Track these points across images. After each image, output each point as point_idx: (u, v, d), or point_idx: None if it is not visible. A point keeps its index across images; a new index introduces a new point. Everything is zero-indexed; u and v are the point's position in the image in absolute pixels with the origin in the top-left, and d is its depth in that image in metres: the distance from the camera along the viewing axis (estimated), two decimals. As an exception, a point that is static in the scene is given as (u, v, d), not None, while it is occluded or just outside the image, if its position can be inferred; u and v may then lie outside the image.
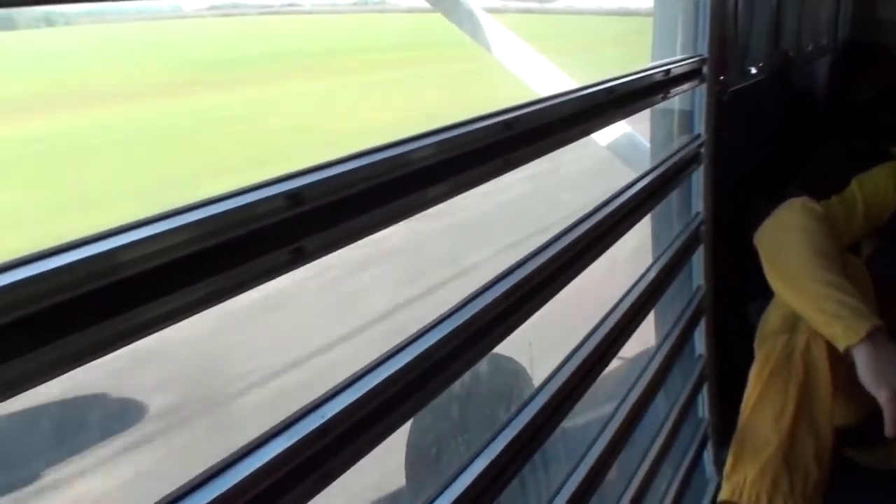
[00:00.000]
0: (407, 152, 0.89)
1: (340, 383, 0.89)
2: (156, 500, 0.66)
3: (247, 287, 0.73)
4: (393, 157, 0.87)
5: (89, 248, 0.65)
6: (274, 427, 0.77)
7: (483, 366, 2.63)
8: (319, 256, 0.78)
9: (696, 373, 2.15)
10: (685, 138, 2.07)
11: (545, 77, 2.40)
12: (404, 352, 0.98)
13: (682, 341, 2.01)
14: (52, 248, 0.63)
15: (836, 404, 1.97)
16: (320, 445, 0.81)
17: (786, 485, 1.94)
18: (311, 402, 0.83)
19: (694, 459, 2.13)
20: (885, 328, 1.78)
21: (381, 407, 0.92)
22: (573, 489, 1.40)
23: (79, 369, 0.63)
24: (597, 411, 1.92)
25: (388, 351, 0.97)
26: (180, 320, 0.68)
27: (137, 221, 0.70)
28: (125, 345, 0.66)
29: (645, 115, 2.00)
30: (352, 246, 0.83)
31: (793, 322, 1.96)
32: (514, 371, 2.90)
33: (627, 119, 2.07)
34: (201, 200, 0.72)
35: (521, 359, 2.74)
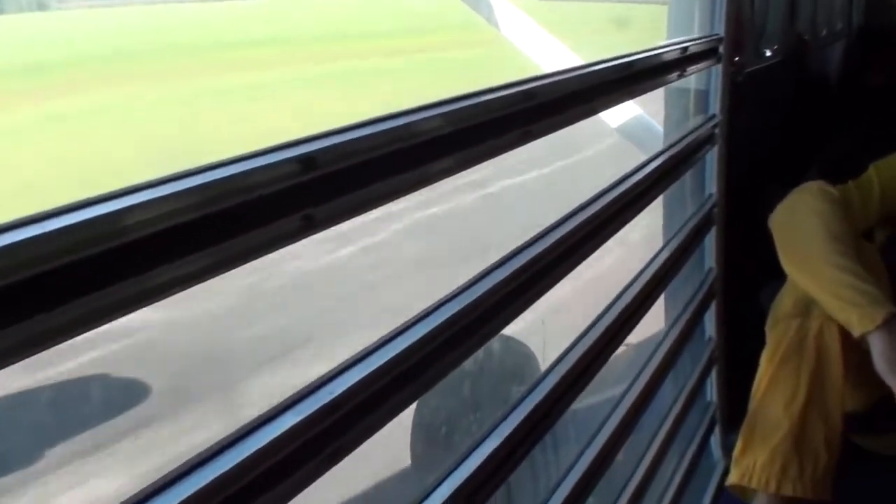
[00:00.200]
0: (424, 119, 0.86)
1: (348, 360, 0.86)
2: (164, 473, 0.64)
3: (256, 254, 0.70)
4: (411, 124, 0.84)
5: (93, 209, 0.62)
6: (283, 402, 0.74)
7: (492, 347, 2.61)
8: (331, 225, 0.76)
9: (705, 356, 2.13)
10: (700, 118, 2.04)
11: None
12: (414, 329, 0.96)
13: (693, 324, 1.98)
14: (53, 210, 0.60)
15: (846, 390, 1.96)
16: (329, 422, 0.79)
17: (795, 470, 1.93)
18: (319, 378, 0.81)
19: (701, 443, 2.11)
20: None
21: (389, 384, 0.90)
22: (582, 471, 1.38)
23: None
24: (606, 393, 1.90)
25: (398, 328, 0.95)
26: (189, 286, 0.65)
27: (144, 183, 0.67)
28: (130, 311, 0.63)
29: (654, 97, 1.98)
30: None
31: (805, 306, 1.94)
32: (522, 354, 2.88)
33: (639, 101, 2.04)
34: (211, 163, 0.69)
35: (534, 338, 2.72)
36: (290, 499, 0.74)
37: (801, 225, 1.96)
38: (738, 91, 2.17)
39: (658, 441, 1.79)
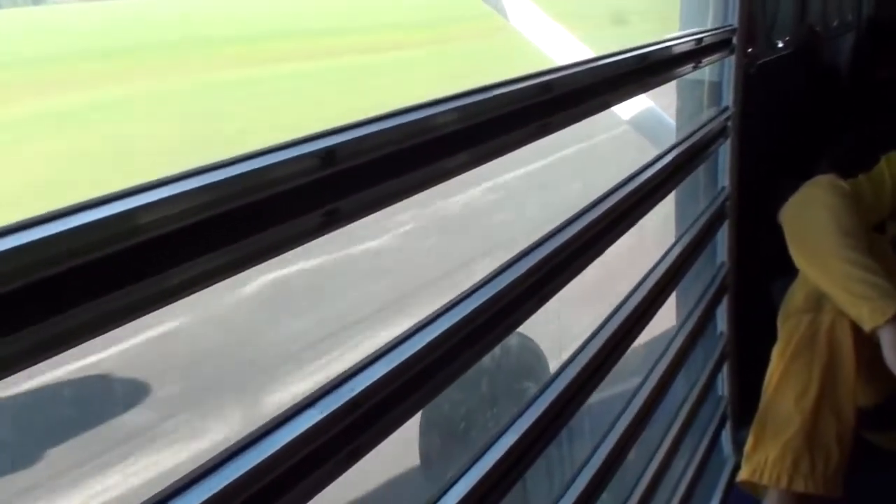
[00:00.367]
0: (444, 112, 0.85)
1: (369, 356, 0.85)
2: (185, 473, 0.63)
3: (277, 251, 0.68)
4: (430, 117, 0.83)
5: (110, 206, 0.60)
6: (305, 399, 0.73)
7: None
8: (353, 220, 0.74)
9: (717, 351, 2.12)
10: (713, 110, 2.03)
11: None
12: (433, 325, 0.94)
13: (705, 319, 1.97)
14: (63, 209, 0.57)
15: (857, 386, 1.95)
16: (350, 420, 0.77)
17: (807, 465, 1.92)
18: (340, 375, 0.79)
19: (713, 438, 2.10)
20: None
21: (409, 382, 0.88)
22: (597, 466, 1.37)
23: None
24: (619, 387, 1.89)
25: (417, 324, 0.94)
26: (210, 284, 0.63)
27: (161, 180, 0.65)
28: (150, 311, 0.61)
29: (663, 91, 1.96)
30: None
31: (817, 301, 1.93)
32: (529, 349, 2.87)
33: (650, 95, 2.03)
34: (231, 158, 0.68)
35: (548, 332, 2.71)
36: (310, 498, 0.73)
37: (812, 219, 1.95)
38: (750, 83, 2.16)
39: (670, 436, 1.78)
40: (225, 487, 0.63)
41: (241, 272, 0.67)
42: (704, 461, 2.01)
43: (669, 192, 1.70)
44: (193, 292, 0.62)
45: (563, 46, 2.49)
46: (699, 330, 1.92)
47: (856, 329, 1.86)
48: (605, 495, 1.44)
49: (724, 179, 2.09)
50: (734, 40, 1.98)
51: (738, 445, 2.19)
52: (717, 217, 2.03)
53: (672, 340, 1.79)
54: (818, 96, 3.26)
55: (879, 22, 4.09)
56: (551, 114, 1.07)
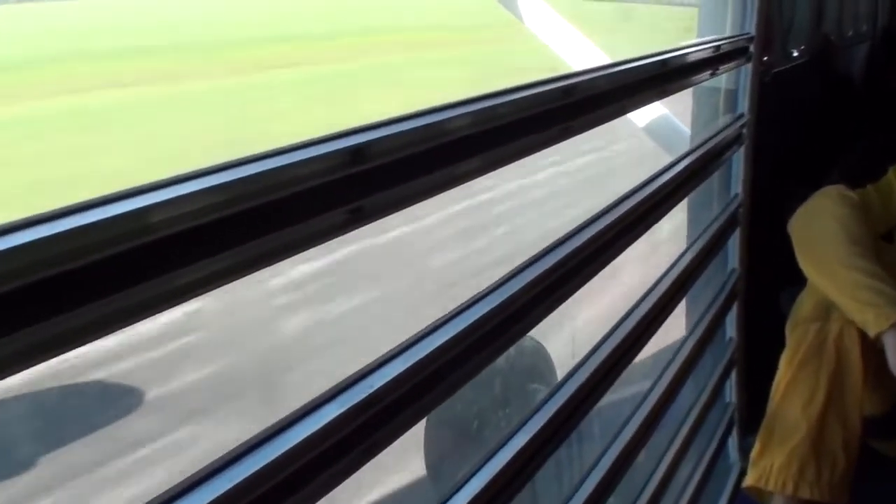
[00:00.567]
0: (471, 112, 0.85)
1: (386, 354, 0.86)
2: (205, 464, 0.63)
3: (304, 247, 0.69)
4: (456, 118, 0.84)
5: (127, 203, 0.59)
6: (325, 394, 0.74)
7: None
8: (378, 217, 0.75)
9: (726, 357, 2.12)
10: (728, 117, 2.03)
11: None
12: (448, 325, 0.95)
13: (715, 325, 1.98)
14: (78, 205, 0.57)
15: (864, 394, 1.95)
16: (368, 416, 0.78)
17: (813, 473, 1.93)
18: (359, 371, 0.80)
19: (719, 445, 2.10)
20: None
21: (425, 380, 0.89)
22: (605, 470, 1.38)
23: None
24: (627, 390, 1.89)
25: (433, 324, 0.94)
26: (238, 278, 0.64)
27: (187, 174, 0.66)
28: (179, 303, 0.62)
29: (677, 99, 1.96)
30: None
31: (826, 309, 1.94)
32: (535, 351, 2.87)
33: (665, 102, 2.03)
34: (259, 153, 0.68)
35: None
36: (328, 491, 0.74)
37: (821, 229, 1.96)
38: (765, 91, 2.16)
39: (678, 441, 1.78)
40: (247, 478, 0.64)
41: (265, 268, 0.67)
42: (711, 466, 2.02)
43: (683, 197, 1.70)
44: (227, 283, 0.63)
45: (576, 48, 2.49)
46: (709, 336, 1.92)
47: (863, 338, 1.87)
48: (612, 499, 1.44)
49: (738, 186, 2.10)
50: (751, 48, 1.99)
51: (745, 452, 2.20)
52: (729, 224, 2.03)
53: (682, 346, 1.80)
54: (832, 105, 3.26)
55: (894, 32, 4.09)
56: (573, 117, 1.08)
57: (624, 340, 1.41)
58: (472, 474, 1.02)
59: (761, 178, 2.21)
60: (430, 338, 0.91)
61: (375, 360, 0.84)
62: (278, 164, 0.69)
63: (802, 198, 2.05)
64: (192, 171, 0.66)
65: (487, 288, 1.05)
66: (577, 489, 1.32)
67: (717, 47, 1.72)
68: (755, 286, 2.26)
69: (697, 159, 1.71)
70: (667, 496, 1.73)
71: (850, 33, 3.63)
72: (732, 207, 2.05)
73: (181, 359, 4.31)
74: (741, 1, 1.99)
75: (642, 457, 1.57)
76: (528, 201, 6.62)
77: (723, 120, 2.06)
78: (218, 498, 0.61)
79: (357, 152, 0.71)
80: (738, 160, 2.07)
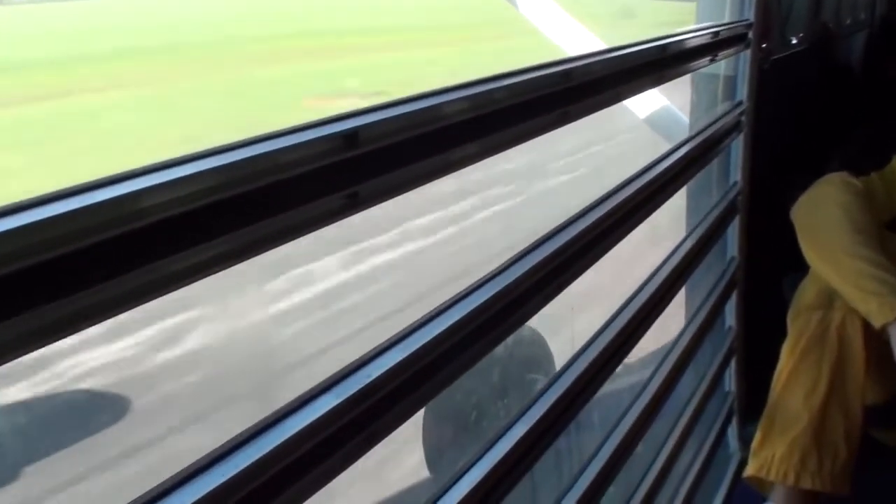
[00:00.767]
0: (469, 96, 0.84)
1: (384, 343, 0.85)
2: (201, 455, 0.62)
3: (299, 233, 0.68)
4: (452, 102, 0.82)
5: (117, 187, 0.58)
6: (321, 384, 0.73)
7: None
8: (373, 204, 0.73)
9: (725, 346, 2.11)
10: (727, 105, 2.02)
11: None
12: (446, 314, 0.94)
13: (714, 314, 1.96)
14: (75, 188, 0.56)
15: (866, 384, 1.94)
16: (365, 406, 0.77)
17: (814, 463, 1.92)
18: (356, 361, 0.79)
19: (719, 434, 2.10)
20: None
21: (423, 370, 0.88)
22: (605, 459, 1.37)
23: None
24: (626, 379, 1.89)
25: (431, 313, 0.93)
26: (232, 265, 0.63)
27: (179, 158, 0.64)
28: (162, 294, 0.60)
29: (675, 87, 1.95)
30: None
31: (829, 298, 1.93)
32: (533, 339, 2.86)
33: (664, 92, 2.02)
34: (253, 137, 0.67)
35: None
36: (325, 483, 0.72)
37: (824, 216, 1.94)
38: (764, 78, 2.15)
39: (678, 430, 1.77)
40: (243, 469, 0.63)
41: (262, 253, 0.66)
42: (710, 456, 2.01)
43: (682, 185, 1.69)
44: (221, 270, 0.62)
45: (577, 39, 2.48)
46: (708, 325, 1.91)
47: (866, 327, 1.86)
48: (611, 488, 1.43)
49: (737, 174, 2.09)
50: (750, 35, 1.97)
51: (745, 441, 2.19)
52: (728, 212, 2.02)
53: (681, 335, 1.79)
54: (830, 93, 3.25)
55: (892, 21, 4.08)
56: (571, 102, 1.07)
57: (623, 329, 1.40)
58: (473, 463, 1.01)
59: (760, 166, 2.20)
60: (429, 326, 0.90)
61: (373, 350, 0.82)
62: (271, 147, 0.67)
63: (803, 185, 2.04)
64: (184, 156, 0.65)
65: (486, 276, 1.04)
66: (576, 478, 1.32)
67: (716, 33, 1.71)
68: (755, 274, 2.25)
69: (696, 147, 1.70)
70: (666, 485, 1.72)
71: (849, 21, 3.62)
72: (732, 195, 2.04)
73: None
74: (740, -14, 1.98)
75: (641, 446, 1.56)
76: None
77: (722, 107, 2.04)
78: (214, 489, 0.60)
79: (351, 136, 0.70)
80: (738, 147, 2.06)
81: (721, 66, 2.01)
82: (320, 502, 0.73)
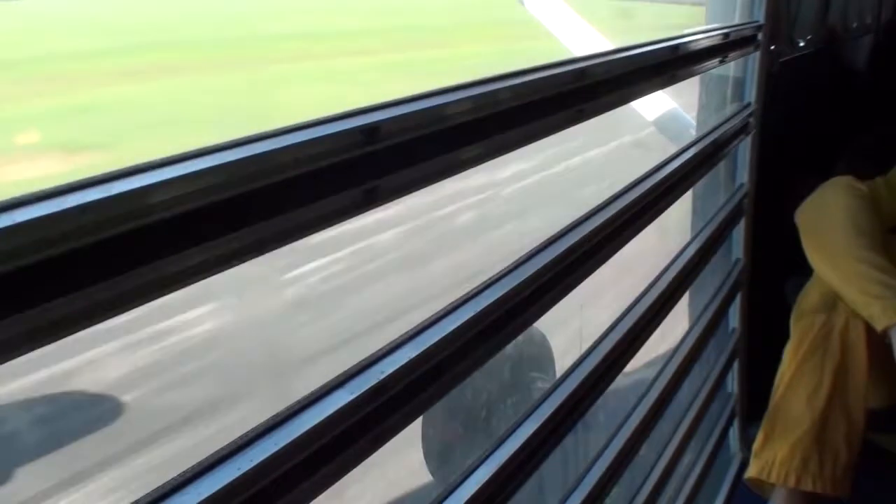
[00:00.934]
0: (489, 92, 0.84)
1: (396, 340, 0.84)
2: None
3: (318, 227, 0.67)
4: (474, 97, 0.82)
5: (132, 180, 0.57)
6: (335, 379, 0.72)
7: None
8: (394, 198, 0.73)
9: (728, 347, 2.11)
10: (736, 106, 2.01)
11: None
12: (457, 312, 0.93)
13: (719, 315, 1.96)
14: (87, 180, 0.55)
15: (869, 387, 1.94)
16: (378, 403, 0.76)
17: (815, 465, 1.92)
18: (368, 357, 0.78)
19: (721, 435, 2.10)
20: None
21: (435, 368, 0.88)
22: (610, 459, 1.37)
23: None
24: (631, 379, 1.88)
25: (442, 310, 0.93)
26: (252, 257, 0.62)
27: (197, 151, 0.64)
28: (189, 284, 0.60)
29: (683, 90, 1.94)
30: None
31: (832, 301, 1.93)
32: (534, 339, 2.85)
33: (672, 94, 2.01)
34: (271, 131, 0.66)
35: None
36: (337, 479, 0.72)
37: (828, 219, 1.94)
38: (772, 80, 2.14)
39: (680, 432, 1.77)
40: (258, 464, 0.63)
41: (280, 247, 0.65)
42: (712, 457, 2.01)
43: (690, 187, 1.69)
44: (240, 263, 0.61)
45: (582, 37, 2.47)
46: (713, 326, 1.91)
47: (869, 330, 1.85)
48: (616, 489, 1.43)
49: (744, 176, 2.08)
50: (759, 37, 1.97)
51: (746, 443, 2.19)
52: (734, 213, 2.02)
53: (686, 336, 1.79)
54: (837, 96, 3.25)
55: None
56: (587, 100, 1.06)
57: (629, 331, 1.40)
58: (480, 463, 1.01)
59: (766, 168, 2.20)
60: (440, 325, 0.90)
61: (385, 347, 0.82)
62: (291, 141, 0.67)
63: (808, 188, 2.04)
64: (202, 148, 0.64)
65: (496, 275, 1.03)
66: (581, 478, 1.31)
67: (727, 34, 1.71)
68: (760, 275, 2.25)
69: (704, 148, 1.70)
70: (668, 486, 1.72)
71: (855, 25, 3.61)
72: (738, 197, 2.03)
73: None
74: (750, -12, 1.98)
75: (644, 447, 1.56)
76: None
77: (730, 108, 2.04)
78: (229, 484, 0.60)
79: (371, 131, 0.69)
80: (745, 149, 2.06)
81: (729, 67, 2.01)
82: (329, 499, 0.73)
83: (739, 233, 2.12)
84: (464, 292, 0.97)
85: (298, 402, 0.68)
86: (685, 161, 1.59)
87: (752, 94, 2.03)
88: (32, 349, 0.51)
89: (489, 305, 0.97)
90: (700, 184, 1.99)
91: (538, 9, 2.46)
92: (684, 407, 1.86)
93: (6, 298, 0.49)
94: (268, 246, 0.63)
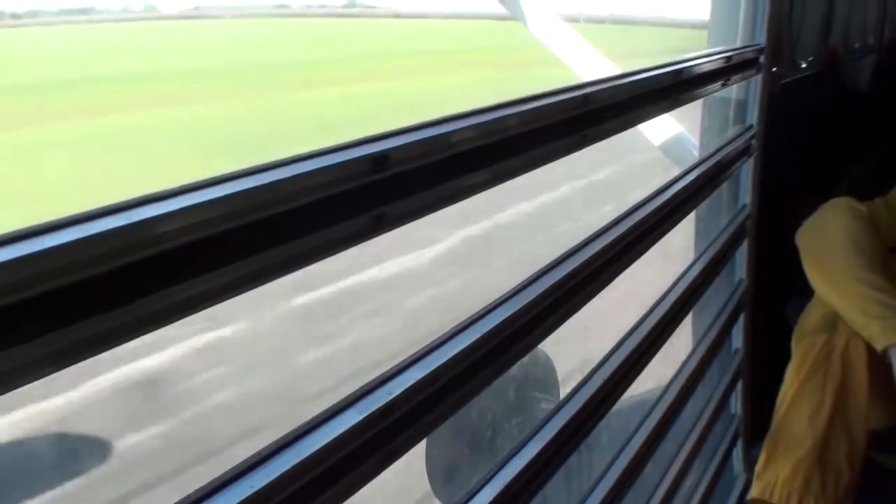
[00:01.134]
0: (496, 119, 0.85)
1: (404, 361, 0.86)
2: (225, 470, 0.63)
3: (326, 254, 0.69)
4: (482, 124, 0.83)
5: (145, 210, 0.58)
6: (345, 399, 0.74)
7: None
8: (401, 224, 0.75)
9: (732, 368, 2.11)
10: (738, 128, 2.03)
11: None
12: (464, 334, 0.95)
13: (722, 336, 1.97)
14: (103, 209, 0.56)
15: (870, 408, 1.95)
16: (386, 423, 0.78)
17: (818, 485, 1.92)
18: (377, 378, 0.80)
19: (724, 456, 2.10)
20: None
21: (442, 388, 0.89)
22: (613, 480, 1.37)
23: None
24: (634, 399, 1.89)
25: (449, 332, 0.94)
26: (259, 285, 0.64)
27: (209, 180, 0.65)
28: (193, 313, 0.61)
29: (684, 114, 1.95)
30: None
31: (833, 322, 1.94)
32: (538, 359, 2.85)
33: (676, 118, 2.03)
34: (282, 160, 0.68)
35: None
36: (347, 497, 0.73)
37: (828, 240, 1.95)
38: (773, 102, 2.16)
39: (684, 452, 1.77)
40: (268, 484, 0.64)
41: (289, 273, 0.67)
42: (715, 478, 2.01)
43: (693, 209, 1.70)
44: (249, 290, 0.63)
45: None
46: (716, 347, 1.92)
47: (870, 351, 1.86)
48: (617, 510, 1.44)
49: (746, 197, 2.10)
50: (761, 59, 1.99)
51: (749, 464, 2.19)
52: (737, 235, 2.03)
53: (689, 357, 1.79)
54: (839, 117, 3.26)
55: None
56: (591, 125, 1.08)
57: (633, 352, 1.41)
58: (485, 483, 1.02)
59: (769, 189, 2.21)
60: (447, 346, 0.91)
61: (394, 367, 0.83)
62: (302, 170, 0.68)
63: (810, 209, 2.05)
64: (215, 177, 0.66)
65: (501, 298, 1.05)
66: (585, 498, 1.32)
67: (729, 58, 1.72)
68: (761, 297, 2.26)
69: (707, 170, 1.71)
70: (672, 507, 1.72)
71: (857, 45, 3.63)
72: (741, 218, 2.05)
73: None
74: (752, 11, 1.99)
75: (648, 467, 1.57)
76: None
77: (732, 131, 2.06)
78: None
79: (380, 159, 0.71)
80: (747, 171, 2.07)
81: (732, 90, 2.02)
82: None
83: (742, 254, 2.13)
84: (469, 314, 0.99)
85: (309, 421, 0.69)
86: (688, 183, 1.61)
87: (754, 116, 2.04)
88: (46, 375, 0.52)
89: (494, 327, 0.98)
90: (703, 205, 2.00)
91: (543, 33, 2.48)
92: (688, 427, 1.86)
93: (32, 321, 0.50)
94: (276, 273, 0.65)
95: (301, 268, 0.67)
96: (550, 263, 1.18)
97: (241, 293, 0.63)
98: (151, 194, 0.61)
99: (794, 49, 2.64)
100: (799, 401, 1.97)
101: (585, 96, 1.05)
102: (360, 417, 0.73)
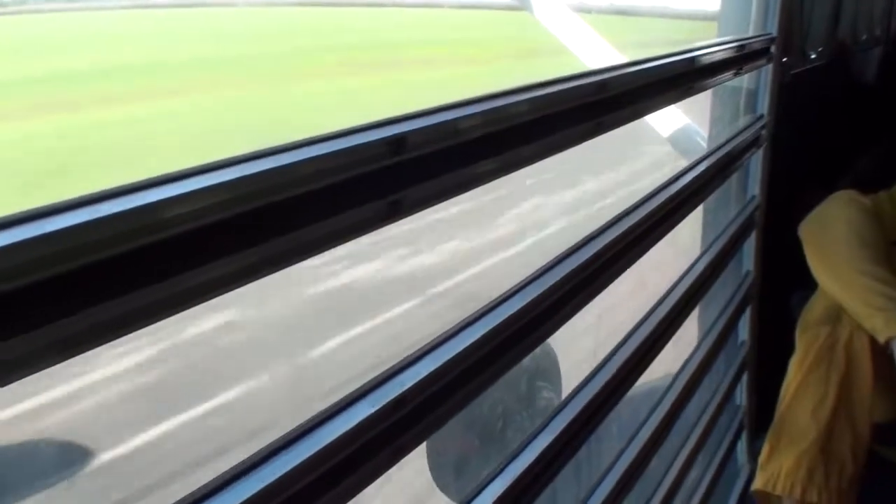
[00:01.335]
0: (513, 104, 0.83)
1: (415, 353, 0.83)
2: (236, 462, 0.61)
3: (342, 240, 0.67)
4: (499, 108, 0.81)
5: (159, 191, 0.56)
6: (356, 391, 0.72)
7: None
8: (418, 210, 0.72)
9: (738, 360, 2.10)
10: (748, 118, 2.01)
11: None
12: (475, 326, 0.93)
13: (729, 328, 1.96)
14: (107, 192, 0.53)
15: (874, 400, 1.95)
16: (398, 416, 0.76)
17: (821, 477, 1.92)
18: (390, 369, 0.78)
19: (729, 447, 2.09)
20: None
21: (453, 381, 0.87)
22: (621, 472, 1.36)
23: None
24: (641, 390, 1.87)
25: (460, 324, 0.92)
26: (275, 271, 0.62)
27: (219, 162, 0.63)
28: (208, 299, 0.59)
29: (694, 105, 1.93)
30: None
31: (836, 314, 1.94)
32: (543, 352, 2.84)
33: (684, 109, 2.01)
34: (296, 141, 0.66)
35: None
36: (358, 492, 0.71)
37: (832, 233, 1.95)
38: (784, 92, 2.14)
39: (689, 444, 1.76)
40: (279, 478, 0.62)
41: (305, 259, 0.65)
42: (720, 469, 2.00)
43: (702, 200, 1.69)
44: (264, 276, 0.60)
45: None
46: (723, 339, 1.91)
47: (873, 343, 1.86)
48: (624, 501, 1.43)
49: (755, 188, 2.08)
50: (772, 49, 1.97)
51: (753, 455, 2.18)
52: (746, 226, 2.01)
53: (697, 348, 1.78)
54: (847, 108, 3.25)
55: None
56: (606, 112, 1.06)
57: (641, 344, 1.40)
58: (495, 476, 1.01)
59: (778, 180, 2.20)
60: (458, 337, 0.89)
61: (405, 359, 0.81)
62: (315, 153, 0.66)
63: (818, 200, 2.04)
64: (225, 160, 0.63)
65: (512, 289, 1.03)
66: (594, 489, 1.31)
67: (741, 47, 1.71)
68: (767, 289, 2.24)
69: (717, 161, 1.69)
70: (676, 499, 1.71)
71: (865, 37, 3.62)
72: (750, 209, 2.03)
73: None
74: (764, 1, 1.97)
75: (654, 459, 1.55)
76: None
77: (742, 121, 2.04)
78: (251, 497, 0.59)
79: (398, 142, 0.69)
80: (757, 161, 2.05)
81: (742, 80, 2.01)
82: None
83: (750, 245, 2.12)
84: (481, 305, 0.97)
85: (320, 413, 0.67)
86: (698, 174, 1.59)
87: (764, 106, 2.03)
88: (50, 365, 0.50)
89: (505, 319, 0.96)
90: (711, 196, 1.99)
91: (551, 22, 2.46)
92: (693, 419, 1.85)
93: (35, 309, 0.48)
94: (290, 259, 0.63)
95: (315, 255, 0.65)
96: (559, 256, 1.16)
97: (251, 281, 0.61)
98: (159, 177, 0.58)
99: (805, 40, 2.62)
100: (802, 393, 1.97)
101: (602, 82, 1.03)
102: (372, 410, 0.71)
